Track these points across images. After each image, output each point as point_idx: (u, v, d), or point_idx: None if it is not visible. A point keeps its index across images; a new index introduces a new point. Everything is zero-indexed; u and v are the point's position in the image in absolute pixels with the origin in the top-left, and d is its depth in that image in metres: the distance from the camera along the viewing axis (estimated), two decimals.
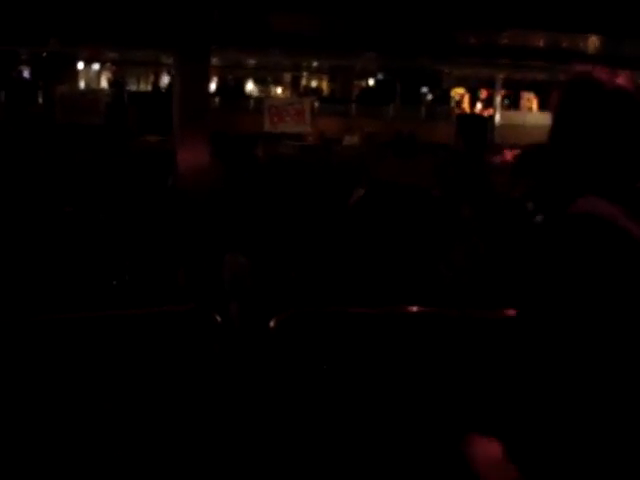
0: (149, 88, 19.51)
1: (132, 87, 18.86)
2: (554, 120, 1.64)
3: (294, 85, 20.18)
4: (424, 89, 18.71)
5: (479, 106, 21.40)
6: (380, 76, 18.49)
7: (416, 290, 4.35)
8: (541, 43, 11.64)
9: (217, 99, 15.66)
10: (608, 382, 1.36)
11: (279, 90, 19.21)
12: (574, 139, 1.60)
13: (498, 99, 20.76)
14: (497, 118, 20.50)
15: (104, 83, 18.86)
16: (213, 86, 17.64)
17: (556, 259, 1.43)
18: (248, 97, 16.53)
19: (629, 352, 1.38)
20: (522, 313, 1.50)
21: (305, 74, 20.40)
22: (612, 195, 1.51)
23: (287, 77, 20.26)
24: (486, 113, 21.54)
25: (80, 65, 18.18)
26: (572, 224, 1.46)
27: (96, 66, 19.05)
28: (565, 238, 1.44)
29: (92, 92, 15.02)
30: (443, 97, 19.39)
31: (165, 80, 18.13)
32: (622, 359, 1.37)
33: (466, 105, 21.16)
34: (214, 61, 12.07)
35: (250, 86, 18.52)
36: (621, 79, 1.60)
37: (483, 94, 21.20)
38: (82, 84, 18.19)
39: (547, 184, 1.67)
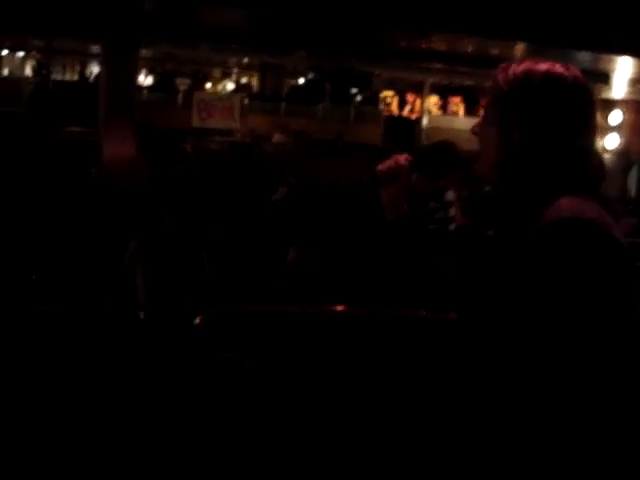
0: (76, 77, 19.09)
1: (58, 76, 18.43)
2: (517, 119, 1.58)
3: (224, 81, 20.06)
4: (354, 90, 18.83)
5: (407, 109, 21.66)
6: (310, 75, 18.52)
7: (337, 287, 4.39)
8: (470, 49, 11.83)
9: (145, 92, 15.45)
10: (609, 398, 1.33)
11: (208, 85, 19.05)
12: (545, 137, 1.57)
13: (426, 103, 21.04)
14: (425, 121, 20.78)
15: (28, 71, 18.38)
16: (142, 78, 17.39)
17: (558, 273, 1.36)
18: (177, 91, 16.32)
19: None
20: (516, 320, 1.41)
21: (235, 70, 20.29)
22: (587, 194, 1.48)
23: (217, 72, 20.11)
24: (414, 116, 21.83)
25: (4, 52, 17.67)
26: (568, 232, 1.39)
27: (21, 53, 18.55)
28: (564, 249, 1.37)
29: (15, 80, 14.63)
30: (372, 99, 19.55)
31: (94, 70, 17.77)
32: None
33: (394, 107, 21.39)
34: (143, 53, 11.89)
35: (179, 80, 18.31)
36: (574, 70, 1.61)
37: (411, 97, 21.46)
38: (5, 72, 17.69)
39: (513, 187, 1.60)
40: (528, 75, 1.60)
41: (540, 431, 1.35)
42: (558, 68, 1.59)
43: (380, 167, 2.07)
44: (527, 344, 1.38)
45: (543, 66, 1.60)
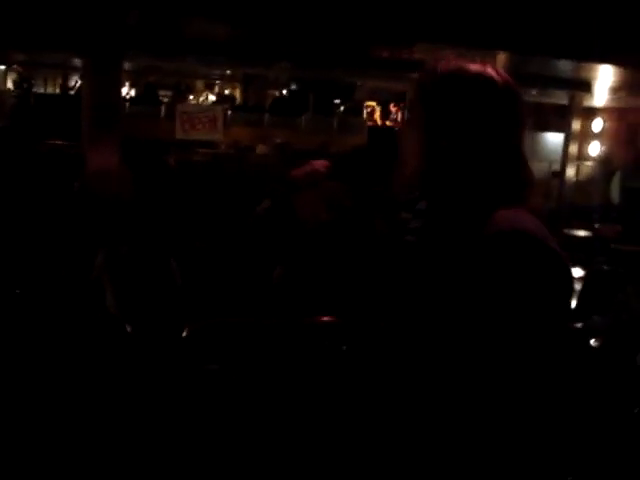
0: (57, 90, 19.01)
1: (39, 89, 18.34)
2: (444, 123, 1.43)
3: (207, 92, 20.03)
4: (337, 101, 18.85)
5: (391, 119, 21.72)
6: (293, 86, 18.54)
7: (322, 299, 4.38)
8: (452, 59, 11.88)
9: (127, 104, 15.40)
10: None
11: (191, 97, 19.03)
12: (476, 143, 1.44)
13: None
14: None
15: (10, 84, 18.28)
16: (125, 91, 17.34)
17: (497, 284, 1.30)
18: (160, 103, 16.29)
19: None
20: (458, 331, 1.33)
21: (218, 82, 20.28)
22: (520, 204, 1.42)
23: (200, 84, 20.08)
24: (397, 126, 21.87)
25: None
26: (509, 244, 1.33)
27: (1, 67, 18.44)
28: (504, 261, 1.31)
29: None
30: (356, 109, 19.59)
31: (76, 82, 17.70)
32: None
33: (377, 117, 21.44)
34: (125, 66, 11.86)
35: (162, 92, 18.27)
36: (505, 75, 1.51)
37: (394, 108, 21.51)
38: None
39: (440, 196, 1.48)
40: (457, 76, 1.48)
41: (457, 429, 1.32)
42: (489, 70, 1.49)
43: (295, 172, 1.94)
44: (456, 348, 1.33)
45: (474, 67, 1.49)
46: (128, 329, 3.91)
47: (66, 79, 18.99)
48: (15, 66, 18.34)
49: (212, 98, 19.36)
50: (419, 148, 1.51)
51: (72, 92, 17.22)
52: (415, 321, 1.42)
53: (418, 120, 1.51)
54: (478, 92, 1.45)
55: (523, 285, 1.30)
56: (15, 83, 17.90)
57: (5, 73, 18.74)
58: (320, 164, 1.91)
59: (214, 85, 20.35)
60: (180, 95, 18.05)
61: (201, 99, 19.03)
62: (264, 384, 3.97)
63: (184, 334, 4.05)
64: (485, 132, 1.43)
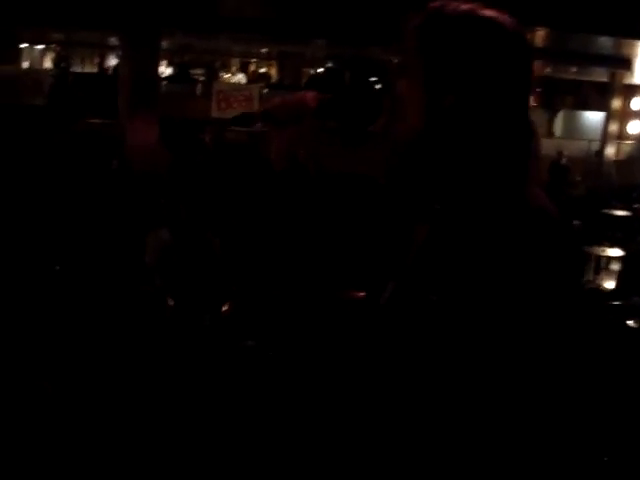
0: (95, 70, 19.16)
1: (77, 68, 18.50)
2: (451, 77, 1.24)
3: (243, 71, 20.04)
4: (373, 78, 18.73)
5: None
6: (329, 64, 18.47)
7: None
8: None
9: (164, 83, 15.48)
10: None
11: (238, 76, 19.05)
12: (489, 104, 1.27)
13: None
14: None
15: (48, 64, 18.46)
16: (162, 70, 17.43)
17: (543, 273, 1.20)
18: (195, 82, 16.34)
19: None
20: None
21: (254, 60, 20.26)
22: (532, 177, 1.34)
23: (236, 62, 20.10)
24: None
25: (23, 45, 17.75)
26: (541, 224, 1.23)
27: (40, 46, 18.63)
28: (544, 249, 1.21)
29: (35, 72, 14.71)
30: (390, 87, 19.42)
31: (112, 62, 17.83)
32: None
33: None
34: (163, 45, 11.91)
35: (198, 71, 18.32)
36: (516, 24, 1.31)
37: None
38: (26, 64, 17.77)
39: (445, 162, 1.29)
40: (469, 20, 1.27)
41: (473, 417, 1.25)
42: (505, 18, 1.28)
43: (278, 103, 1.58)
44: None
45: (487, 12, 1.28)
46: (170, 303, 3.96)
47: (103, 58, 19.14)
48: (53, 45, 18.53)
49: (240, 77, 19.33)
50: (417, 105, 1.32)
51: (110, 71, 17.34)
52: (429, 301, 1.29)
53: (416, 72, 1.32)
54: (493, 41, 1.26)
55: (563, 272, 1.24)
56: (53, 62, 18.08)
57: (43, 53, 18.93)
58: (310, 97, 1.56)
59: (249, 63, 20.37)
60: (214, 74, 18.08)
61: (234, 79, 19.02)
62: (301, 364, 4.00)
63: (224, 309, 4.09)
64: (498, 90, 1.26)
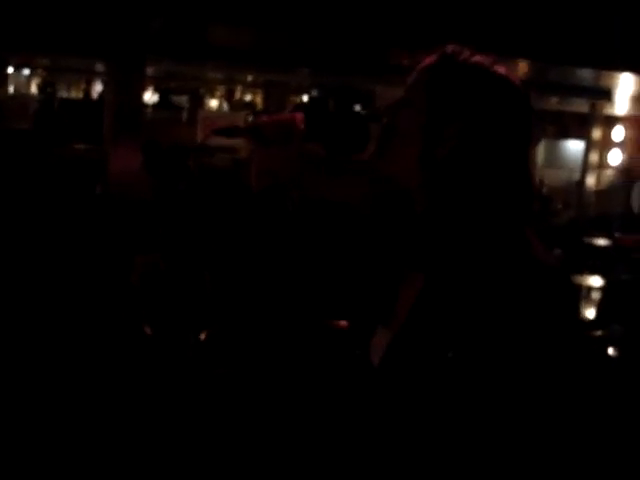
0: (80, 95, 19.18)
1: (63, 94, 18.51)
2: (457, 127, 1.25)
3: (228, 98, 20.12)
4: (357, 107, 18.89)
5: None
6: (314, 93, 18.59)
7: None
8: None
9: (149, 109, 15.52)
10: None
11: (213, 103, 19.12)
12: (492, 156, 1.29)
13: None
14: None
15: (34, 89, 18.47)
16: (149, 96, 17.46)
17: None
18: (181, 108, 16.39)
19: None
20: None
21: (239, 88, 20.36)
22: (529, 220, 1.34)
23: (221, 90, 20.17)
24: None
25: (10, 70, 17.76)
26: (549, 278, 1.23)
27: (26, 71, 18.64)
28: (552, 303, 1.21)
29: (21, 97, 14.70)
30: (375, 116, 19.57)
31: (98, 88, 17.87)
32: None
33: None
34: (148, 71, 11.95)
35: (183, 98, 18.37)
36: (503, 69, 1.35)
37: None
38: (11, 89, 17.77)
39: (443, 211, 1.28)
40: (483, 70, 1.30)
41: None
42: (513, 76, 1.32)
43: (268, 120, 1.54)
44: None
45: (499, 68, 1.33)
46: (148, 331, 3.95)
47: (89, 84, 19.16)
48: (40, 71, 18.54)
49: (233, 104, 19.42)
50: (414, 144, 1.32)
51: (95, 97, 17.36)
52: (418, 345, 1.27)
53: (419, 110, 1.32)
54: (503, 94, 1.29)
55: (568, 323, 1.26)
56: (39, 87, 18.08)
57: (29, 78, 18.93)
58: (299, 118, 1.56)
59: (235, 91, 20.44)
60: (199, 101, 18.14)
61: (212, 104, 19.06)
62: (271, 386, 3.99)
63: (202, 337, 4.09)
64: (500, 143, 1.28)
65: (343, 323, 4.03)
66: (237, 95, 20.62)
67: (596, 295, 8.31)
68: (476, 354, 1.21)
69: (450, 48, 1.36)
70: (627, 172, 14.90)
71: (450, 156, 1.28)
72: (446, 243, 1.29)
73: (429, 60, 1.37)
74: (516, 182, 1.31)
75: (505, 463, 1.22)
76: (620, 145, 14.59)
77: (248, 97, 20.78)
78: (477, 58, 1.33)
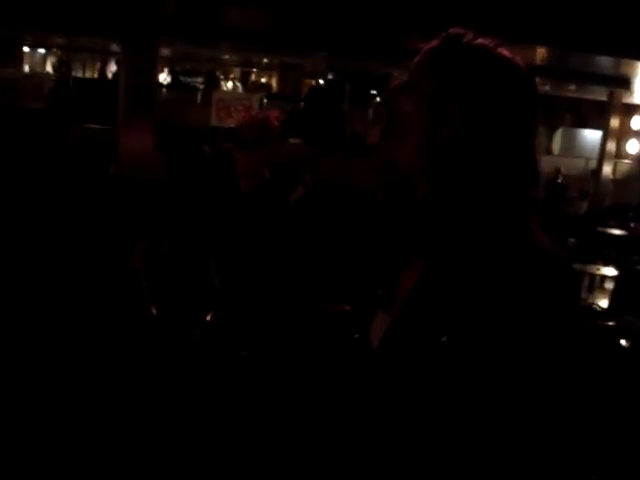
0: (95, 75, 19.19)
1: (78, 73, 18.52)
2: (458, 108, 1.24)
3: (243, 80, 20.08)
4: (373, 91, 18.81)
5: None
6: (330, 76, 18.52)
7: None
8: None
9: (164, 91, 15.50)
10: None
11: (229, 85, 19.09)
12: (495, 138, 1.27)
13: None
14: None
15: (49, 68, 18.49)
16: (163, 77, 17.46)
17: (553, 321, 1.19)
18: (196, 90, 16.36)
19: None
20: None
21: (255, 70, 20.31)
22: (533, 215, 1.33)
23: (236, 72, 20.14)
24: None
25: (25, 49, 17.78)
26: (550, 264, 1.22)
27: (42, 50, 18.66)
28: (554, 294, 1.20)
29: (36, 76, 14.71)
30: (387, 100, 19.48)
31: (113, 68, 17.87)
32: None
33: None
34: (162, 52, 11.94)
35: (198, 79, 18.35)
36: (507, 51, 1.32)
37: None
38: (26, 68, 17.80)
39: (445, 194, 1.26)
40: (488, 53, 1.29)
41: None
42: (518, 60, 1.30)
43: (244, 124, 1.56)
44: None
45: (504, 50, 1.30)
46: (154, 312, 3.95)
47: (104, 64, 19.17)
48: (55, 50, 18.56)
49: (249, 86, 19.39)
50: (417, 127, 1.30)
51: (110, 77, 17.38)
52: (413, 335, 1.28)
53: (423, 92, 1.30)
54: (506, 76, 1.27)
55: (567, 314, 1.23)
56: (54, 67, 18.10)
57: (45, 57, 18.96)
58: (273, 116, 1.55)
59: (251, 73, 20.41)
60: (214, 82, 18.12)
61: (229, 86, 19.04)
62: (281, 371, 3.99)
63: (208, 318, 4.08)
64: (503, 126, 1.26)
65: (345, 307, 4.01)
66: (252, 77, 20.60)
67: (609, 285, 8.26)
68: (469, 339, 1.21)
69: (454, 30, 1.34)
70: None
71: (452, 138, 1.26)
72: (446, 228, 1.29)
73: (432, 43, 1.34)
74: (519, 167, 1.29)
75: (498, 444, 1.22)
76: (638, 134, 14.45)
77: (263, 79, 20.75)
78: (481, 40, 1.30)
